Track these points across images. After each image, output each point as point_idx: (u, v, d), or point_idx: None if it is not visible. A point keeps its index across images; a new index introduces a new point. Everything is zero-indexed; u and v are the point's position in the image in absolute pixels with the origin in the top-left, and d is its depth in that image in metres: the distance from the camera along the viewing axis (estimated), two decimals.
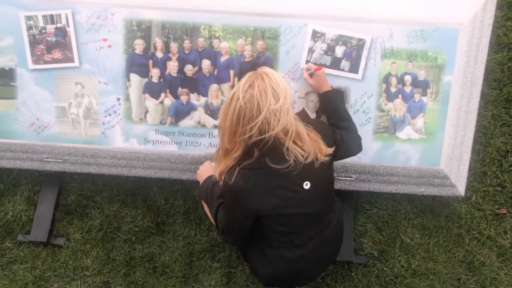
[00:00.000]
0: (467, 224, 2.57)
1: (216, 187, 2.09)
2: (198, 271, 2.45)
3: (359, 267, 2.48)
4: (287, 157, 1.77)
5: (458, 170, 2.41)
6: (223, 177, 1.86)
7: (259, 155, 1.78)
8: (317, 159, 1.82)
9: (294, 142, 1.78)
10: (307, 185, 1.83)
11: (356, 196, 2.60)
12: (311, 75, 2.18)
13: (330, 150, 1.88)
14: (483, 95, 2.70)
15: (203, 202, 2.22)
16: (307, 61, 2.24)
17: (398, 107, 2.30)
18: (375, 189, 2.44)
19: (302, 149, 1.79)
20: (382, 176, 2.40)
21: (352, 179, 2.40)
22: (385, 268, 2.48)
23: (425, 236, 2.55)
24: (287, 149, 1.77)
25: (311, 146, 1.82)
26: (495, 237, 2.56)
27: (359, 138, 2.16)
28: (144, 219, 2.54)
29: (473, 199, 2.62)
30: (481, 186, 2.64)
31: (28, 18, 2.21)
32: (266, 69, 1.80)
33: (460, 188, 2.45)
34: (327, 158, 1.86)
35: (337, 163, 2.32)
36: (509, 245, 2.54)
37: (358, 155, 2.27)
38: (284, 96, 1.73)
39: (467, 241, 2.54)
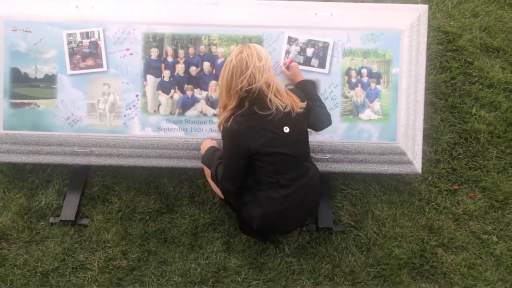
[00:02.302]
0: (426, 198, 3.07)
1: (216, 153, 2.64)
2: (202, 241, 2.89)
3: (338, 234, 2.93)
4: (270, 106, 2.34)
5: (413, 149, 2.95)
6: (221, 127, 2.41)
7: (248, 105, 2.35)
8: (293, 110, 2.39)
9: (275, 96, 2.36)
10: (286, 129, 2.38)
11: (334, 179, 3.11)
12: (287, 68, 2.79)
13: (303, 104, 2.45)
14: (432, 103, 3.38)
15: (205, 169, 2.73)
16: (284, 63, 2.87)
17: (358, 94, 2.89)
18: (347, 169, 2.97)
19: (281, 101, 2.37)
20: (352, 154, 2.93)
21: (327, 157, 2.93)
22: (360, 234, 2.94)
23: (392, 208, 3.03)
24: (270, 100, 2.35)
25: (288, 100, 2.40)
26: (450, 207, 3.04)
27: (329, 114, 2.72)
28: (156, 203, 3.02)
29: (430, 179, 3.14)
30: (436, 170, 3.17)
31: (69, 35, 2.86)
32: (252, 43, 2.43)
33: (417, 166, 2.98)
34: (301, 110, 2.43)
35: (313, 144, 2.86)
36: (462, 212, 3.02)
37: (330, 134, 2.85)
38: (265, 59, 2.35)
39: (427, 210, 3.03)
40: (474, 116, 3.36)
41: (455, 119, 3.35)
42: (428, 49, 3.47)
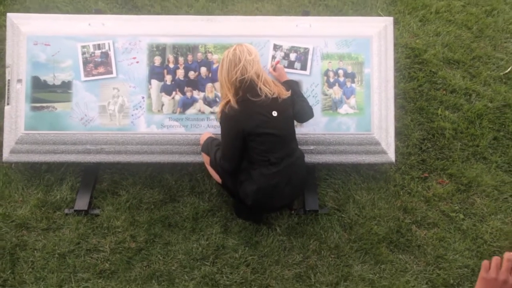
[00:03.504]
0: (400, 184, 3.46)
1: (214, 141, 3.05)
2: (202, 225, 3.23)
3: (324, 216, 3.29)
4: (260, 94, 2.77)
5: (386, 140, 3.36)
6: (220, 114, 2.81)
7: (242, 93, 2.77)
8: (280, 97, 2.81)
9: (264, 85, 2.80)
10: (275, 113, 2.79)
11: (318, 170, 3.50)
12: (274, 69, 3.22)
13: (288, 93, 2.88)
14: (403, 106, 3.82)
15: (204, 157, 3.11)
16: (271, 65, 3.30)
17: (336, 92, 3.32)
18: (329, 160, 3.36)
19: (269, 89, 2.80)
20: (333, 145, 3.33)
21: (312, 149, 3.32)
22: (343, 215, 3.30)
23: (371, 193, 3.41)
24: (260, 88, 2.77)
25: (275, 88, 2.83)
26: (421, 191, 3.43)
27: (311, 108, 3.14)
28: (160, 194, 3.36)
29: (403, 168, 3.54)
30: (408, 161, 3.58)
31: (83, 47, 3.28)
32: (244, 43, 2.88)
33: (391, 155, 3.38)
34: (286, 97, 2.84)
35: (299, 136, 3.23)
36: (432, 195, 3.41)
37: (313, 127, 3.27)
38: (255, 54, 2.79)
39: (402, 194, 3.41)
40: (439, 116, 3.80)
41: (423, 119, 3.79)
42: (397, 62, 3.99)
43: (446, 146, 3.66)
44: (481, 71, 4.09)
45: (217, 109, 3.22)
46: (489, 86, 4.01)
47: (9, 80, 3.32)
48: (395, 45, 3.93)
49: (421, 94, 3.94)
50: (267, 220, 3.27)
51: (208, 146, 3.07)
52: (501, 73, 4.09)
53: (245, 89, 2.80)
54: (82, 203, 3.29)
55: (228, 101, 2.81)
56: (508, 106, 3.88)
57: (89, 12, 4.07)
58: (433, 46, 4.24)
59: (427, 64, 4.11)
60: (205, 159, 3.15)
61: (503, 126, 3.79)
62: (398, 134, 3.65)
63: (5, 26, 4.11)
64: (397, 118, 3.65)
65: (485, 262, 1.49)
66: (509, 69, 4.10)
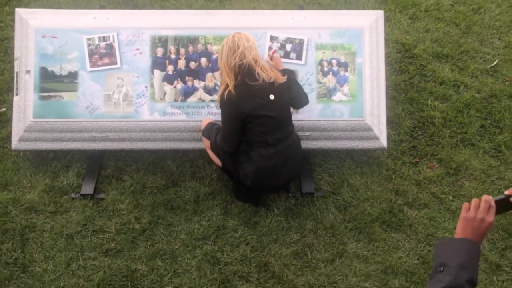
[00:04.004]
0: (392, 168, 3.62)
1: (214, 126, 3.22)
2: (203, 207, 3.38)
3: (319, 198, 3.45)
4: (258, 78, 2.93)
5: (378, 126, 3.53)
6: (219, 98, 2.97)
7: (241, 78, 2.93)
8: (276, 81, 2.98)
9: (261, 70, 2.96)
10: (272, 97, 2.96)
11: (313, 156, 3.66)
12: (271, 58, 3.39)
13: (285, 78, 3.04)
14: (394, 97, 3.99)
15: (204, 141, 3.27)
16: (268, 55, 3.47)
17: (330, 80, 3.49)
18: (324, 146, 3.53)
19: (266, 74, 2.97)
20: (327, 131, 3.49)
21: (307, 135, 3.48)
22: (338, 198, 3.46)
23: (364, 177, 3.57)
24: (258, 73, 2.94)
25: (272, 74, 3.00)
26: (412, 175, 3.59)
27: (306, 94, 3.31)
28: (162, 179, 3.51)
29: (394, 154, 3.71)
30: (399, 147, 3.74)
31: (89, 39, 3.45)
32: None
33: (383, 141, 3.54)
34: (283, 82, 3.01)
35: (295, 122, 3.39)
36: (422, 179, 3.57)
37: (308, 113, 3.43)
38: (252, 41, 2.97)
39: (394, 178, 3.57)
40: (429, 106, 3.97)
41: (413, 109, 3.96)
42: (388, 56, 4.17)
43: (436, 133, 3.83)
44: (468, 64, 4.28)
45: (216, 97, 3.39)
46: (477, 78, 4.19)
47: (17, 72, 3.48)
48: (386, 40, 4.12)
49: (411, 86, 4.11)
50: (265, 202, 3.41)
51: (209, 130, 3.23)
52: (488, 66, 4.28)
53: (244, 74, 2.96)
54: (88, 187, 3.44)
55: (228, 86, 2.97)
56: (494, 96, 4.06)
57: (94, 8, 4.25)
58: (422, 41, 4.43)
59: (417, 58, 4.29)
60: (205, 143, 3.30)
61: (490, 114, 3.96)
62: (390, 122, 3.81)
63: (10, 26, 4.32)
64: (389, 108, 3.82)
65: (465, 204, 1.65)
66: (495, 63, 4.29)
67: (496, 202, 1.66)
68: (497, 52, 4.40)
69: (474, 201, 1.65)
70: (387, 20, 4.51)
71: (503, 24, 4.63)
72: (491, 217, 1.63)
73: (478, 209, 1.64)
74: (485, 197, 1.65)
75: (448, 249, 1.63)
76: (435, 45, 4.41)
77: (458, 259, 1.57)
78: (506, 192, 1.69)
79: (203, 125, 3.34)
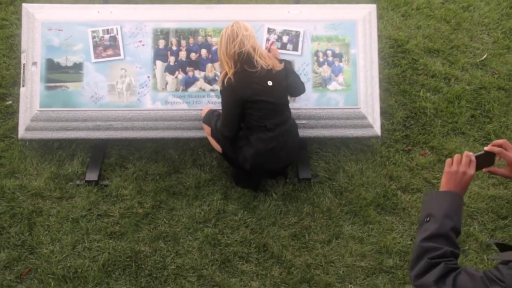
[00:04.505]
0: (386, 155, 3.76)
1: (214, 112, 3.35)
2: (204, 193, 3.50)
3: (316, 184, 3.58)
4: (256, 65, 3.07)
5: (372, 115, 3.67)
6: (220, 84, 3.11)
7: (240, 65, 3.07)
8: (274, 68, 3.12)
9: (260, 57, 3.10)
10: (270, 83, 3.10)
11: (310, 144, 3.79)
12: (269, 50, 3.53)
13: (282, 65, 3.18)
14: (388, 89, 4.14)
15: (205, 128, 3.40)
16: (266, 47, 3.61)
17: (325, 70, 3.63)
18: (320, 134, 3.66)
19: (264, 61, 3.11)
20: (323, 119, 3.62)
21: (304, 123, 3.61)
22: (334, 183, 3.59)
23: (359, 164, 3.71)
24: (256, 61, 3.08)
25: (270, 61, 3.14)
26: (405, 162, 3.73)
27: (303, 83, 3.44)
28: (164, 167, 3.64)
29: (388, 142, 3.85)
30: (393, 136, 3.88)
31: (93, 31, 3.58)
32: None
33: (377, 129, 3.68)
34: (280, 69, 3.15)
35: (292, 111, 3.52)
36: (415, 165, 3.71)
37: (305, 102, 3.58)
38: (250, 30, 3.11)
39: (387, 164, 3.71)
40: (421, 98, 4.12)
41: (406, 100, 4.11)
42: (381, 51, 4.32)
43: (428, 123, 3.97)
44: (459, 58, 4.43)
45: (216, 86, 3.53)
46: (467, 71, 4.34)
47: (24, 64, 3.61)
48: (379, 36, 4.26)
49: (404, 78, 4.26)
50: (264, 188, 3.54)
51: (209, 117, 3.36)
52: (478, 60, 4.43)
53: (243, 61, 3.09)
54: (92, 174, 3.55)
55: (226, 73, 3.10)
56: (484, 88, 4.21)
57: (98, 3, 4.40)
58: (414, 37, 4.58)
59: (409, 53, 4.44)
60: (206, 130, 3.43)
61: (480, 105, 4.11)
62: (384, 113, 3.95)
63: (15, 24, 4.46)
64: (383, 100, 3.96)
65: (448, 160, 1.79)
66: (484, 57, 4.45)
67: (476, 157, 1.79)
68: (486, 47, 4.56)
69: (456, 156, 1.78)
70: (380, 17, 4.66)
71: (492, 21, 4.80)
72: (472, 170, 1.77)
73: (460, 163, 1.77)
74: (466, 152, 1.79)
75: (433, 200, 1.75)
76: (426, 40, 4.57)
77: (442, 209, 1.69)
78: (485, 149, 1.82)
79: (203, 112, 3.47)
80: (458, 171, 1.76)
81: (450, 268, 1.60)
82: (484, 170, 1.87)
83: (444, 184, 1.78)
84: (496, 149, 1.81)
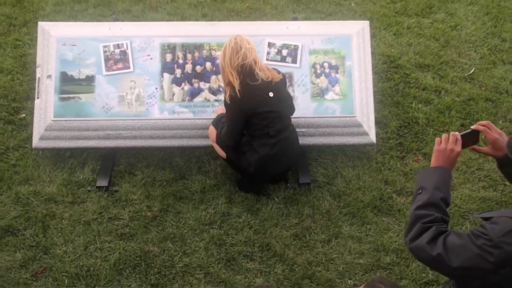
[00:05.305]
0: (381, 162, 3.97)
1: (222, 119, 3.54)
2: (209, 197, 3.69)
3: (316, 188, 3.77)
4: (257, 78, 3.29)
5: (367, 123, 3.88)
6: (228, 98, 3.31)
7: (242, 78, 3.28)
8: (273, 80, 3.34)
9: (260, 70, 3.32)
10: (271, 94, 3.32)
11: (309, 152, 4.00)
12: None
13: (280, 76, 3.41)
14: (382, 101, 4.37)
15: (211, 129, 3.61)
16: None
17: (323, 81, 3.86)
18: (318, 142, 3.87)
19: (265, 74, 3.33)
20: (321, 128, 3.84)
21: (303, 131, 3.82)
22: (332, 187, 3.79)
23: (356, 170, 3.91)
24: (257, 73, 3.30)
25: (269, 73, 3.37)
26: (400, 167, 3.94)
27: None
28: (171, 173, 3.83)
29: (383, 149, 4.07)
30: (387, 144, 4.10)
31: (104, 46, 3.82)
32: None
33: (372, 137, 3.89)
34: (279, 80, 3.37)
35: (292, 119, 3.73)
36: (409, 170, 3.91)
37: (304, 111, 3.82)
38: (252, 44, 3.35)
39: (383, 170, 3.91)
40: (414, 109, 4.35)
41: (399, 111, 4.34)
42: (375, 67, 4.57)
43: (420, 131, 4.19)
44: (448, 73, 4.69)
45: (220, 97, 3.75)
46: (456, 84, 4.60)
47: (39, 77, 3.82)
48: (373, 53, 4.51)
49: (397, 91, 4.50)
50: (266, 192, 3.73)
51: (217, 121, 3.57)
52: (466, 74, 4.69)
53: (245, 74, 3.29)
54: (102, 181, 3.74)
55: (231, 87, 3.29)
56: (472, 99, 4.45)
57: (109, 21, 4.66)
58: (406, 54, 4.85)
59: (401, 68, 4.70)
60: (211, 136, 3.63)
61: (469, 115, 4.34)
62: (378, 123, 4.17)
63: (28, 44, 4.71)
64: (377, 110, 4.18)
65: (437, 139, 2.00)
66: (472, 71, 4.71)
67: (462, 136, 2.01)
68: (473, 62, 4.83)
69: (444, 136, 2.00)
70: (373, 35, 4.93)
71: (478, 39, 5.08)
72: (458, 147, 1.98)
73: (448, 142, 1.98)
74: (452, 132, 2.01)
75: (425, 175, 1.96)
76: (417, 56, 4.83)
77: (433, 182, 1.90)
78: (472, 127, 2.04)
79: (217, 112, 3.71)
80: (446, 149, 1.97)
81: (441, 230, 1.80)
82: (469, 147, 2.08)
83: (434, 161, 1.99)
84: (480, 127, 2.03)
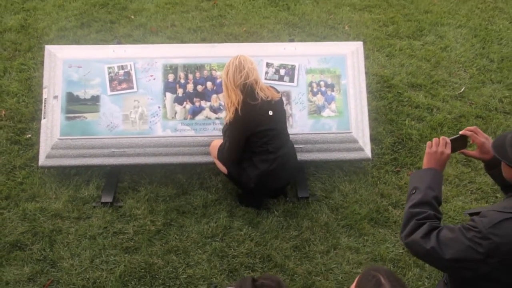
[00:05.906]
0: (376, 176, 4.11)
1: (227, 131, 3.64)
2: (211, 211, 3.80)
3: (314, 201, 3.89)
4: (257, 97, 3.44)
5: (363, 139, 4.03)
6: (232, 117, 3.45)
7: (243, 97, 3.43)
8: (273, 99, 3.49)
9: (260, 90, 3.47)
10: (270, 113, 3.48)
11: (307, 167, 4.13)
12: None
13: (279, 95, 3.58)
14: (376, 119, 4.52)
15: (211, 149, 3.75)
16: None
17: (319, 99, 4.02)
18: (316, 158, 4.01)
19: (264, 93, 3.48)
20: (319, 144, 3.98)
21: (301, 147, 3.96)
22: (330, 201, 3.91)
23: (353, 184, 4.04)
24: (257, 93, 3.45)
25: (268, 92, 3.52)
26: (395, 181, 4.07)
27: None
28: (173, 189, 3.95)
29: (378, 165, 4.20)
30: (382, 159, 4.24)
31: (109, 67, 3.97)
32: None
33: (368, 152, 4.03)
34: (278, 99, 3.53)
35: (290, 136, 3.88)
36: (404, 184, 4.05)
37: (301, 127, 3.96)
38: (254, 64, 3.50)
39: (379, 184, 4.04)
40: (407, 126, 4.51)
41: (393, 128, 4.50)
42: (369, 86, 4.74)
43: (414, 147, 4.34)
44: (439, 91, 4.87)
45: (221, 115, 3.90)
46: (447, 102, 4.77)
47: (45, 98, 3.97)
48: (366, 73, 4.69)
49: (390, 109, 4.67)
50: (266, 206, 3.85)
51: (225, 128, 3.65)
52: (456, 93, 4.88)
53: (246, 93, 3.45)
54: (107, 197, 3.85)
55: (233, 108, 3.43)
56: (463, 116, 4.63)
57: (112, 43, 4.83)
58: (398, 74, 5.04)
59: (395, 87, 4.88)
60: (213, 154, 3.76)
61: (460, 131, 4.48)
62: (373, 139, 4.33)
63: (33, 68, 4.87)
64: (372, 128, 4.34)
65: (428, 142, 2.15)
66: (462, 90, 4.89)
67: (452, 140, 2.15)
68: (463, 81, 5.02)
69: (435, 139, 2.15)
70: (366, 57, 5.12)
71: (467, 60, 5.28)
72: (448, 150, 2.13)
73: (438, 145, 2.13)
74: (442, 137, 2.17)
75: (418, 176, 2.10)
76: (409, 76, 5.02)
77: (426, 183, 2.04)
78: (461, 132, 2.19)
79: (212, 148, 3.82)
80: (437, 151, 2.11)
81: (434, 226, 1.93)
82: (458, 151, 2.22)
83: (426, 163, 2.13)
84: (468, 133, 2.19)
